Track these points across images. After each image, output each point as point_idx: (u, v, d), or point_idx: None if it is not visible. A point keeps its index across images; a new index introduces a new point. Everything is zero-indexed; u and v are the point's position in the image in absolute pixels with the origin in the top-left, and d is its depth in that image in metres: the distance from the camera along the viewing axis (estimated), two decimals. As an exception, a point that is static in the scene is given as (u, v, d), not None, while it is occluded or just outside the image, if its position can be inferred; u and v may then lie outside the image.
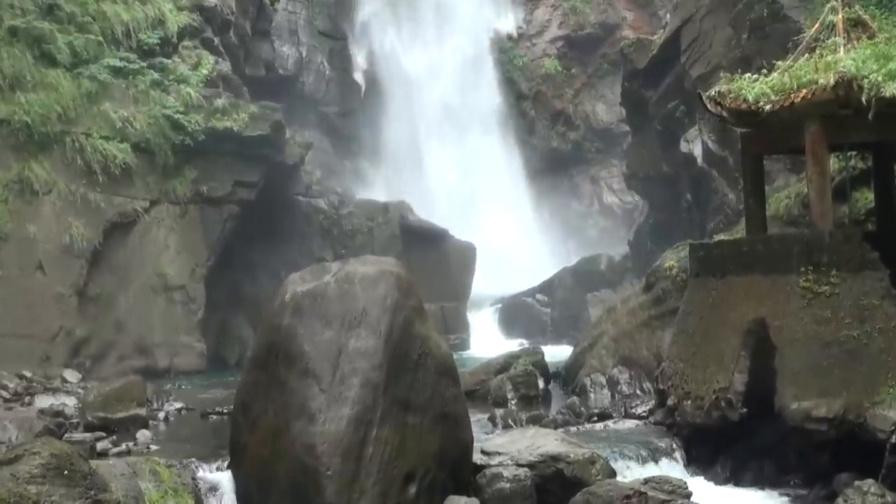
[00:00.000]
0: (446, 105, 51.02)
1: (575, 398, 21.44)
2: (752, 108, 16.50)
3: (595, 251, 44.28)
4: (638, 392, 21.53)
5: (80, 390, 24.13)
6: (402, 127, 49.63)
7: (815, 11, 20.71)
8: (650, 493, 13.62)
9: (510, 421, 19.26)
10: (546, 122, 53.71)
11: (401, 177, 48.59)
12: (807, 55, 17.06)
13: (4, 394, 23.36)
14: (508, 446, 14.98)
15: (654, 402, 19.43)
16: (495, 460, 14.54)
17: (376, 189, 46.98)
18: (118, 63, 31.19)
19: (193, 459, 15.06)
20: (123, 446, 17.40)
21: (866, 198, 19.39)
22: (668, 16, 37.45)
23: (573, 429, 18.40)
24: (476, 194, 49.14)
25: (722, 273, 16.91)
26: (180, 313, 31.44)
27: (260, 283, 34.98)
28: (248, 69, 41.15)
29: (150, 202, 31.18)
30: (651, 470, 15.87)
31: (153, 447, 17.68)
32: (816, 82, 15.85)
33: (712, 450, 16.68)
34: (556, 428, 17.82)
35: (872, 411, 14.70)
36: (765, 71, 17.16)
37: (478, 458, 14.52)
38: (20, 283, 28.03)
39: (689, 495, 14.13)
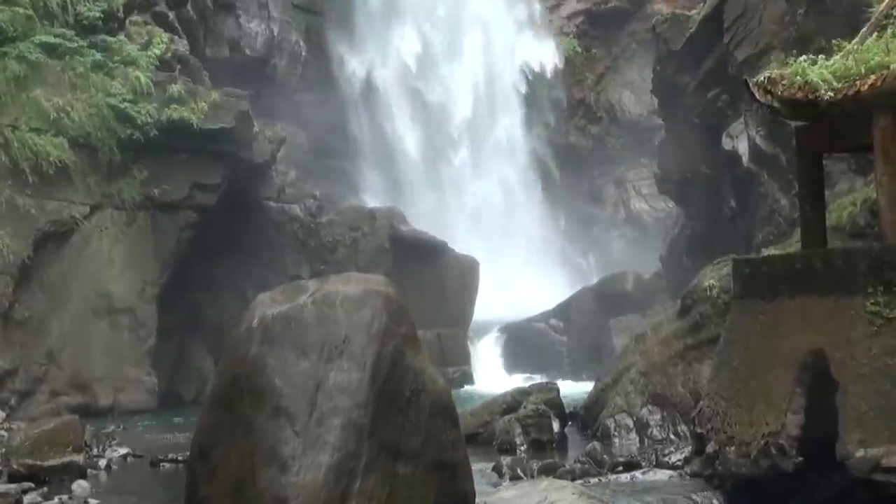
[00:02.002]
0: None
1: (596, 444, 21.39)
2: (810, 97, 16.47)
3: (620, 268, 44.30)
4: (671, 436, 21.51)
5: (3, 432, 24.05)
6: (394, 119, 49.68)
7: (885, -17, 20.70)
8: (687, 558, 13.58)
9: (519, 471, 19.24)
10: (563, 113, 53.74)
11: (391, 178, 48.61)
12: (876, 34, 17.05)
13: (-88, 436, 23.32)
14: (517, 501, 14.92)
15: (690, 448, 19.37)
16: (502, 518, 14.49)
17: (362, 193, 47.01)
18: (52, 40, 31.21)
19: (141, 516, 15.02)
20: (56, 500, 17.34)
21: (947, 205, 19.36)
22: (708, -13, 37.51)
23: (594, 480, 18.39)
24: (480, 199, 49.16)
25: (772, 294, 16.87)
26: (126, 341, 31.39)
27: (223, 305, 34.97)
28: (208, 49, 41.21)
29: (90, 208, 31.16)
30: (688, 530, 15.84)
31: (92, 501, 17.61)
32: (888, 67, 15.82)
33: (761, 506, 16.64)
34: (573, 479, 17.81)
35: (954, 460, 14.64)
36: (825, 53, 17.14)
37: (481, 515, 14.48)
38: (-67, 304, 28.06)
39: (733, 561, 14.09)
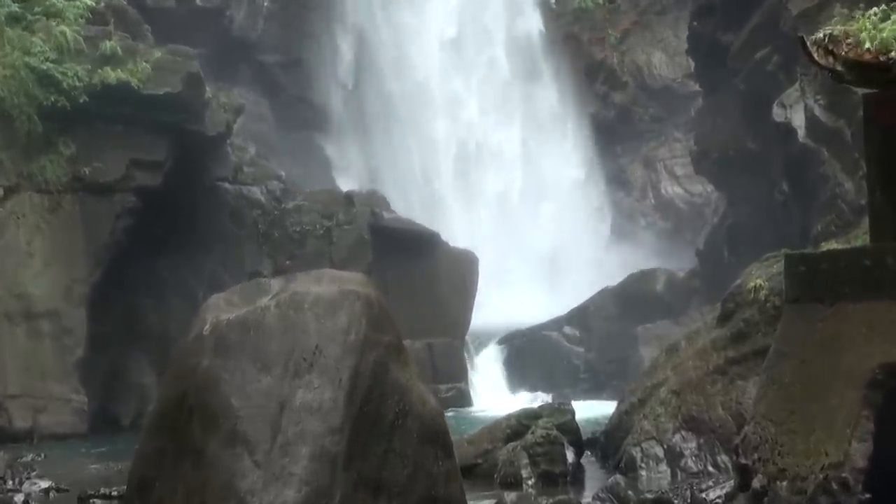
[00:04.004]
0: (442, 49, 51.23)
1: (619, 477, 21.38)
2: (881, 59, 16.48)
3: (649, 264, 44.31)
4: (709, 468, 21.54)
5: None
6: (376, 83, 49.68)
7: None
8: None
9: (526, 509, 19.28)
10: (580, 79, 53.75)
11: (373, 156, 48.60)
12: (959, -17, 17.07)
13: None
14: (524, 546, 14.98)
15: (732, 482, 19.40)
16: (505, 567, 14.53)
17: (337, 173, 46.98)
18: (-40, -11, 31.26)
19: (67, 563, 15.03)
20: (-37, 543, 17.36)
21: None
22: (756, -74, 37.52)
23: (617, 521, 18.42)
24: (478, 183, 49.17)
25: (834, 298, 16.87)
26: (49, 351, 31.35)
27: (168, 309, 34.96)
28: (150, -2, 41.17)
29: (4, 190, 31.15)
30: (730, 582, 15.88)
31: (8, 545, 17.63)
32: (974, 22, 15.87)
33: (819, 553, 16.64)
34: (592, 520, 17.85)
35: None
36: (898, 6, 17.17)
37: (480, 563, 14.53)
38: None
39: None
